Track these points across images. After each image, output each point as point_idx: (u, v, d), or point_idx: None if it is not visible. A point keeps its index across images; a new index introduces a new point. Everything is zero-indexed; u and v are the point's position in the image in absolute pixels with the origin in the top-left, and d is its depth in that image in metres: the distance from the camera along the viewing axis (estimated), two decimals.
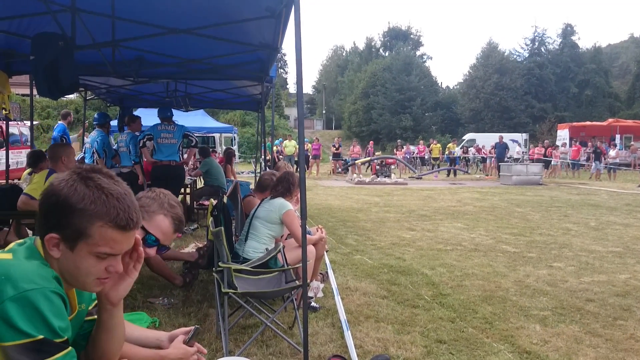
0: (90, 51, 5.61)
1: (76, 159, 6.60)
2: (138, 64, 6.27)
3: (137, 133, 8.45)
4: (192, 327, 1.88)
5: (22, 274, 1.27)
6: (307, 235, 3.80)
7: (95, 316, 1.60)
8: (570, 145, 28.84)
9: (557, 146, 28.27)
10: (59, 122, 9.92)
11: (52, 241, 1.35)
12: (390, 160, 23.30)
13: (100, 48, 5.59)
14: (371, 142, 32.66)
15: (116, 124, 10.72)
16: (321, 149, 27.05)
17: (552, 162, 25.51)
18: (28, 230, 5.69)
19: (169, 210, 2.19)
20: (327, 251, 5.27)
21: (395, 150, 28.70)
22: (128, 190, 1.42)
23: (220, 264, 3.58)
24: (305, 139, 21.62)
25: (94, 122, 8.86)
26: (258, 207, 4.50)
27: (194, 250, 5.58)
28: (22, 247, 1.39)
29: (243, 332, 3.87)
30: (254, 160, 22.10)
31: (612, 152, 24.33)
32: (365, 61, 63.39)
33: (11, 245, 1.41)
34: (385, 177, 20.74)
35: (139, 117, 9.02)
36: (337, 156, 26.77)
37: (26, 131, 16.38)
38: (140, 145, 7.85)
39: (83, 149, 8.82)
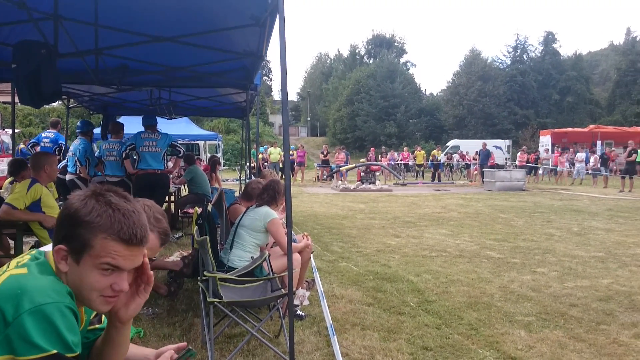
0: (73, 59, 5.56)
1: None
2: (122, 72, 6.21)
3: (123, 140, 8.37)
4: (184, 344, 1.77)
5: (38, 288, 1.30)
6: (292, 243, 3.79)
7: (97, 325, 1.65)
8: (553, 152, 29.21)
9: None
10: (51, 130, 9.78)
11: (61, 253, 1.40)
12: (374, 167, 23.37)
13: (84, 56, 5.54)
14: (372, 148, 32.54)
15: (99, 132, 10.63)
16: (306, 155, 27.07)
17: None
18: (10, 240, 5.61)
19: (154, 225, 2.15)
20: (312, 252, 5.23)
21: (380, 157, 28.81)
22: (138, 209, 1.47)
23: (205, 272, 3.56)
24: (290, 146, 21.60)
25: (77, 130, 8.76)
26: (243, 215, 4.48)
27: (179, 259, 5.53)
28: (35, 263, 1.42)
29: (229, 341, 3.85)
30: (238, 168, 22.03)
31: (592, 159, 24.63)
32: (350, 68, 63.71)
33: (24, 260, 1.44)
34: (370, 183, 20.80)
35: (122, 125, 8.94)
36: (325, 163, 26.83)
37: (7, 139, 16.16)
38: (124, 156, 7.76)
39: (66, 157, 8.70)
